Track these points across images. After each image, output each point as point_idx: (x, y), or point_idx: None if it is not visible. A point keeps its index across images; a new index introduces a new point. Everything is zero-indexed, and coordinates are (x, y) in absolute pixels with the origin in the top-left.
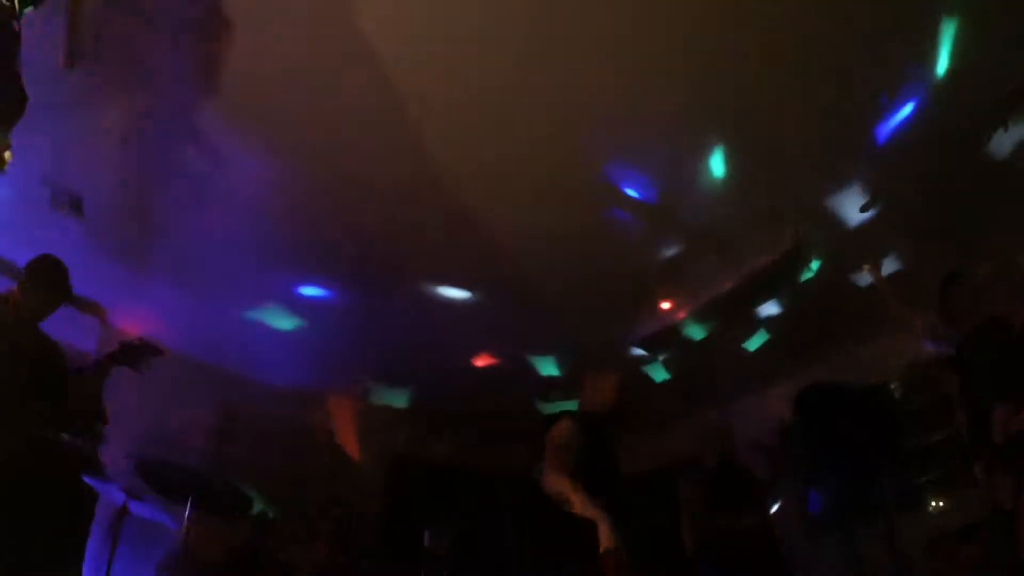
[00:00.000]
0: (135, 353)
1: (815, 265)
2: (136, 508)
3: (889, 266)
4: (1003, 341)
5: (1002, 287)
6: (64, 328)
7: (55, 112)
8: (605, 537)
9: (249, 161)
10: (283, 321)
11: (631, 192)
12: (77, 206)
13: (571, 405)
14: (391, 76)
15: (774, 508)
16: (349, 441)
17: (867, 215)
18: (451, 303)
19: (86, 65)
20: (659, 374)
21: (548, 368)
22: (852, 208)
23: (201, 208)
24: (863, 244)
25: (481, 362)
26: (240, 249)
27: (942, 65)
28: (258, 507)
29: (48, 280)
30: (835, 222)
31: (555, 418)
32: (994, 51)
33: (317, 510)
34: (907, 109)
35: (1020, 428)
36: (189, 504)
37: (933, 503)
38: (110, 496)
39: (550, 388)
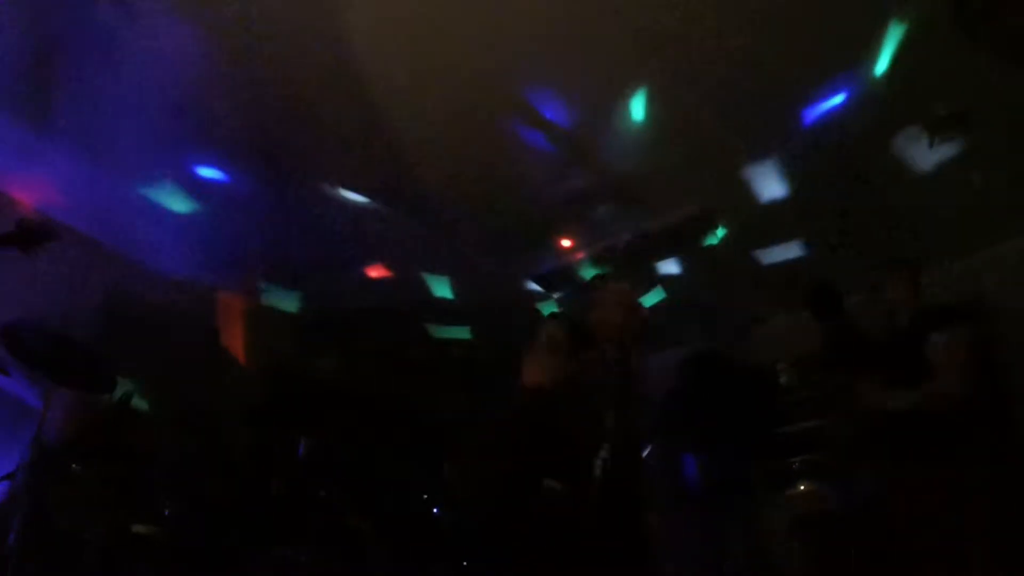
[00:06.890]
0: (29, 236)
1: (721, 233)
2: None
3: (791, 250)
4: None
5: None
6: None
7: None
8: None
9: (164, 22)
10: (178, 202)
11: (549, 118)
12: None
13: (462, 331)
14: None
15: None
16: (235, 341)
17: (780, 194)
18: (351, 207)
19: None
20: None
21: (442, 289)
22: (767, 184)
23: (106, 67)
24: (772, 223)
25: (375, 273)
26: (143, 117)
27: (881, 66)
28: (123, 391)
29: None
30: (749, 195)
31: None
32: (936, 66)
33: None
34: (838, 99)
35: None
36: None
37: (801, 486)
38: None
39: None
